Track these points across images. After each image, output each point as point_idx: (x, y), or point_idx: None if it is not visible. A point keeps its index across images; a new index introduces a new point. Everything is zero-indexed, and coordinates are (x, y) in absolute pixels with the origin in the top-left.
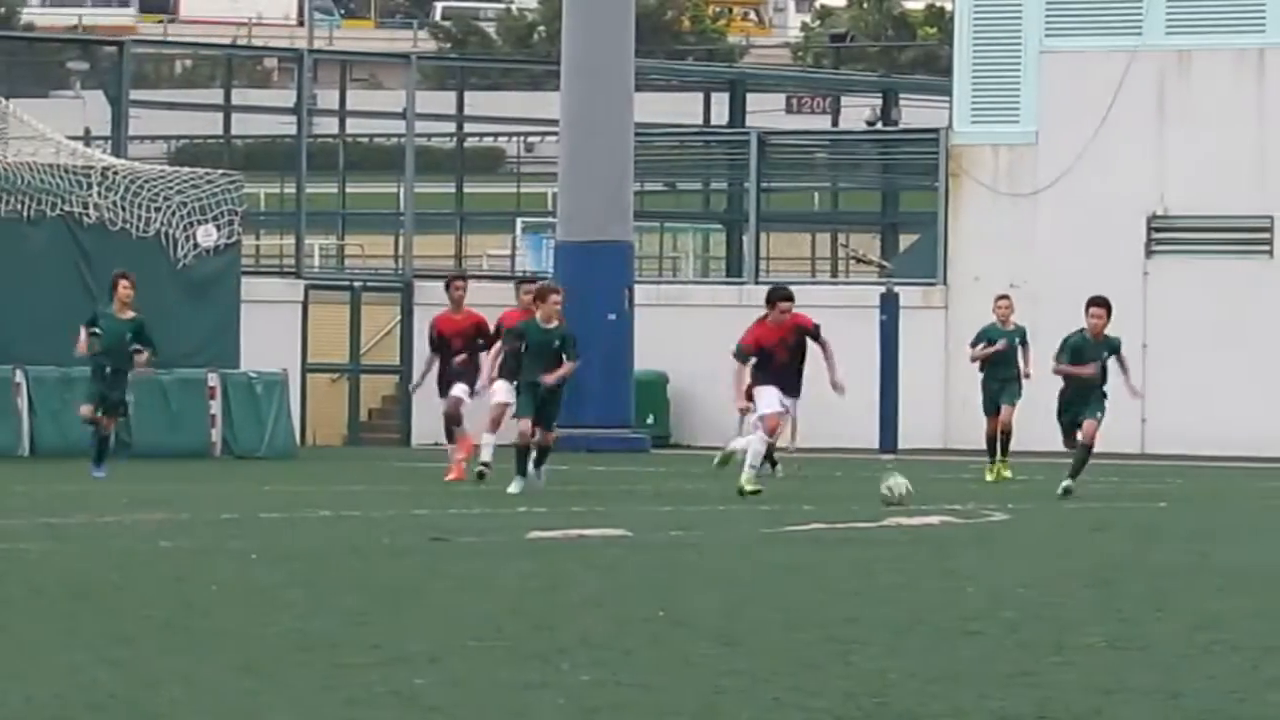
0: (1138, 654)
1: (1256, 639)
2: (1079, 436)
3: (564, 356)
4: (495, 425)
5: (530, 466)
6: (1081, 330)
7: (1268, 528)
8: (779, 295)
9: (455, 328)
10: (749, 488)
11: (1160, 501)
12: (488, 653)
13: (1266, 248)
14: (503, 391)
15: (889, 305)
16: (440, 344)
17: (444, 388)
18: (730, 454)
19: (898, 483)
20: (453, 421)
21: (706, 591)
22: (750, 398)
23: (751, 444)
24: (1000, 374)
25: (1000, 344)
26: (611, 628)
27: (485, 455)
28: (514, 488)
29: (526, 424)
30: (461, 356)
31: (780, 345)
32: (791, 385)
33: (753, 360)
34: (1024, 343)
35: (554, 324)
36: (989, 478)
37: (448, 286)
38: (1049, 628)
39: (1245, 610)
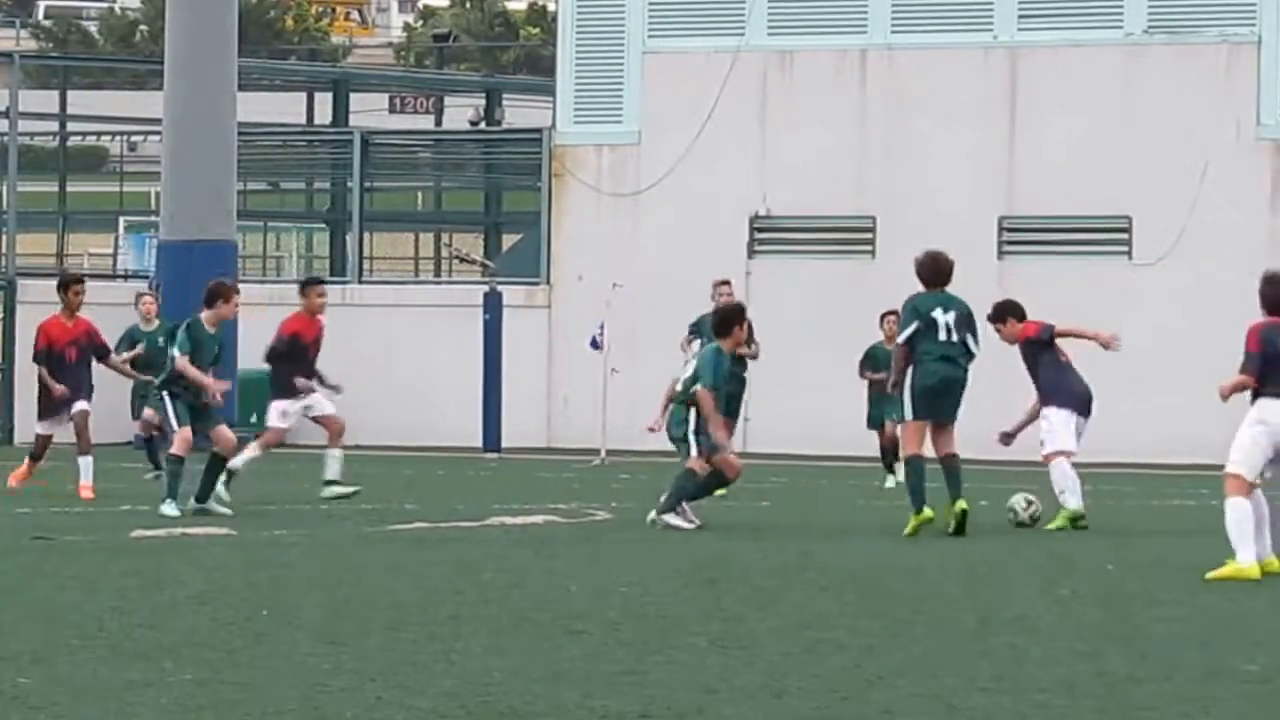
0: (741, 653)
1: (859, 638)
2: None
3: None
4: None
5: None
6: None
7: (869, 528)
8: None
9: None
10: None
11: (763, 500)
12: (92, 652)
13: (868, 248)
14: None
15: (492, 305)
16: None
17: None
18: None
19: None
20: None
21: (310, 591)
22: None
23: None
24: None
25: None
26: (215, 627)
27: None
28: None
29: (188, 432)
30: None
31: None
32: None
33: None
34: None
35: (215, 330)
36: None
37: (66, 289)
38: (652, 627)
39: (847, 609)
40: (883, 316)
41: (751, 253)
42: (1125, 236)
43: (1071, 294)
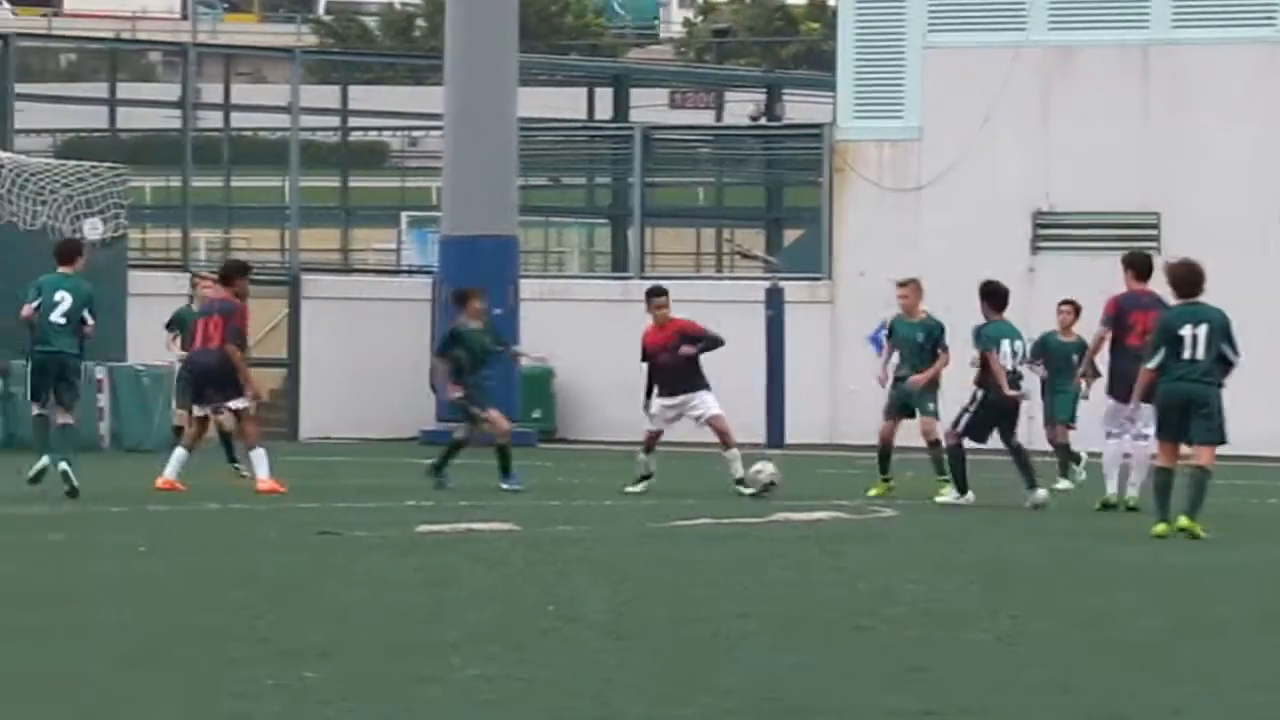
0: (1027, 650)
1: (1143, 635)
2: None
3: None
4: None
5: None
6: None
7: (1151, 523)
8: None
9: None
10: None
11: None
12: (377, 647)
13: (1153, 244)
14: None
15: (774, 300)
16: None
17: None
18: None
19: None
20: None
21: (595, 586)
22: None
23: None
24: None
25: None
26: (501, 622)
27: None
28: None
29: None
30: None
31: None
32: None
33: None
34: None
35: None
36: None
37: (246, 274)
38: (938, 624)
39: (1131, 606)
40: (1058, 306)
41: (1035, 249)
42: None
43: None
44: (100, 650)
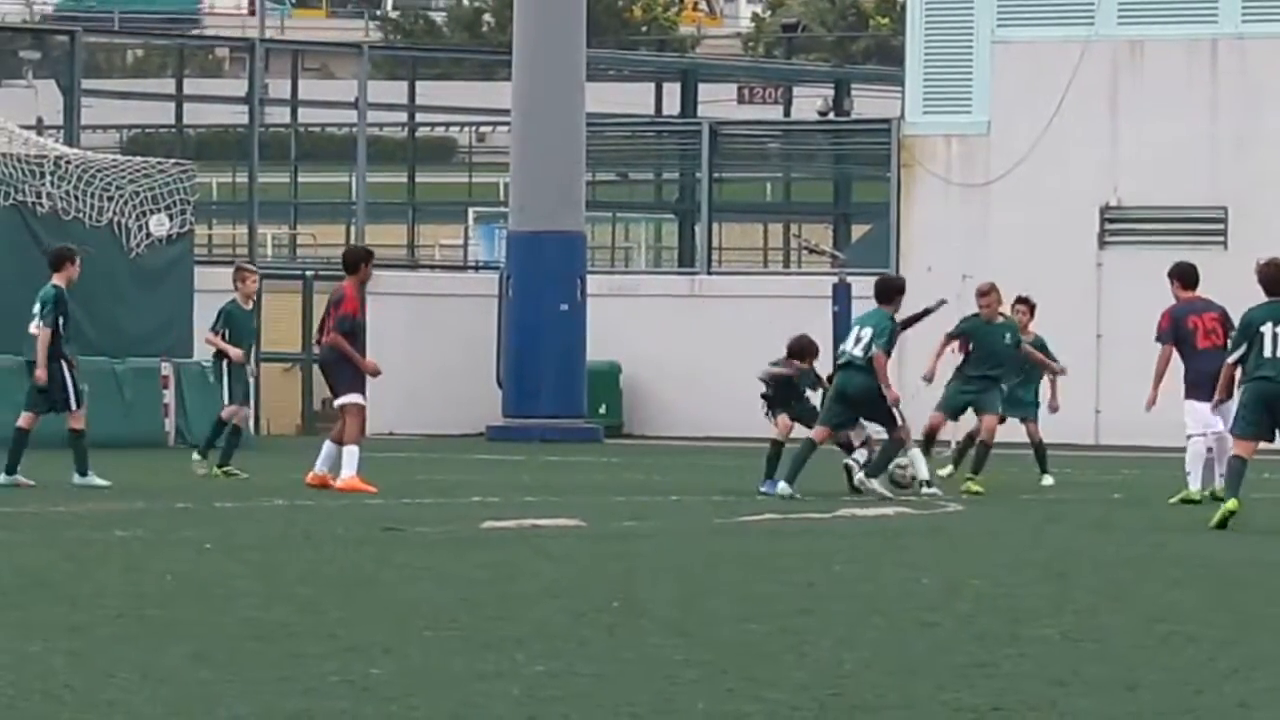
0: (1093, 646)
1: (1212, 631)
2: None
3: None
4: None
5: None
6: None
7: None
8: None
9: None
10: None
11: (1115, 493)
12: (443, 643)
13: (1220, 239)
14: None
15: (842, 296)
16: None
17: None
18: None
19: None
20: None
21: (661, 582)
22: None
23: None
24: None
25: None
26: (566, 618)
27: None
28: None
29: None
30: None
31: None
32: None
33: None
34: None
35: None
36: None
37: (369, 262)
38: (1004, 619)
39: (1201, 602)
40: (1013, 305)
41: (1102, 244)
42: None
43: None
44: (169, 648)
